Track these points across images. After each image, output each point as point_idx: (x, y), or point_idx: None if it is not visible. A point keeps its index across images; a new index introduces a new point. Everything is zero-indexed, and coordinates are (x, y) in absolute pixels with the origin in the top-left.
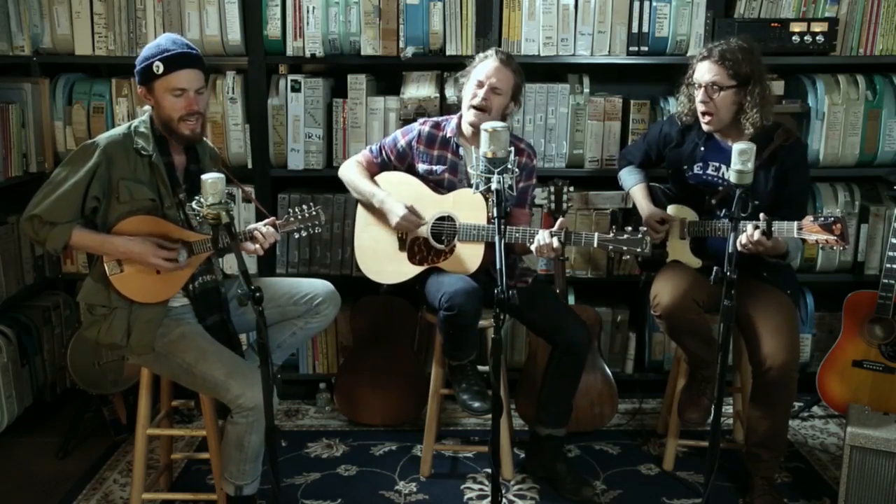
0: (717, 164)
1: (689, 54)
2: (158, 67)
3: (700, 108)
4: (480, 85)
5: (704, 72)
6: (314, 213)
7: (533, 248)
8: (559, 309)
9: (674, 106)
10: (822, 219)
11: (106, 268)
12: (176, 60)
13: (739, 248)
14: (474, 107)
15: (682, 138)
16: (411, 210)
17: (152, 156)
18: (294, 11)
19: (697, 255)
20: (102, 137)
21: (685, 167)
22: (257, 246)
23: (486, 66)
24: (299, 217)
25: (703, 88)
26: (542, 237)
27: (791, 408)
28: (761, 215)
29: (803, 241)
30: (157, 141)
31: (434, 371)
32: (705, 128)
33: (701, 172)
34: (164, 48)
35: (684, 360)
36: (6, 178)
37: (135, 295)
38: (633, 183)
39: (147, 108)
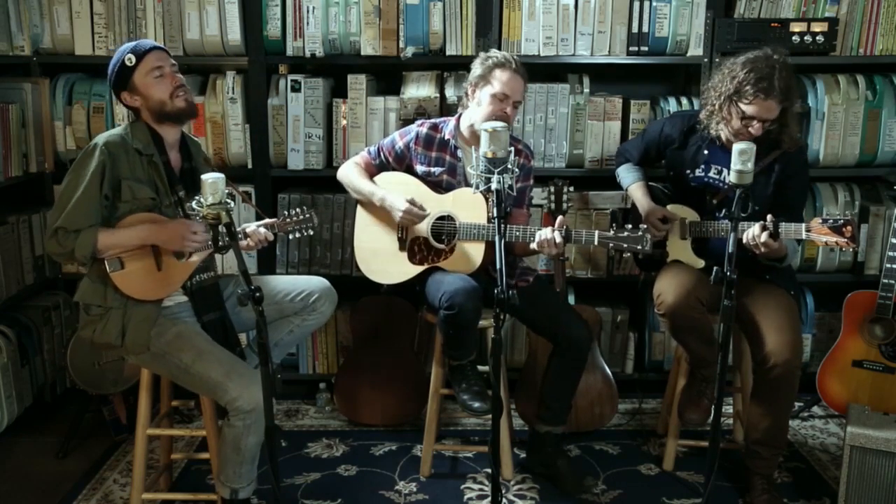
0: (719, 168)
1: (689, 54)
2: (131, 59)
3: (749, 135)
4: (503, 98)
5: (766, 110)
6: (308, 216)
7: (534, 244)
8: (560, 307)
9: (674, 105)
10: (832, 221)
11: (107, 265)
12: (141, 47)
13: (742, 243)
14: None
15: (684, 140)
16: (412, 203)
17: (153, 155)
18: (294, 11)
19: (699, 255)
20: (101, 137)
21: (688, 171)
22: (248, 241)
23: (504, 78)
24: (294, 219)
25: (760, 123)
26: (545, 232)
27: (792, 406)
28: (769, 217)
29: (800, 241)
30: (153, 140)
31: (434, 371)
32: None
33: (703, 175)
34: (124, 50)
35: (685, 360)
36: (6, 178)
37: (135, 292)
38: (631, 181)
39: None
